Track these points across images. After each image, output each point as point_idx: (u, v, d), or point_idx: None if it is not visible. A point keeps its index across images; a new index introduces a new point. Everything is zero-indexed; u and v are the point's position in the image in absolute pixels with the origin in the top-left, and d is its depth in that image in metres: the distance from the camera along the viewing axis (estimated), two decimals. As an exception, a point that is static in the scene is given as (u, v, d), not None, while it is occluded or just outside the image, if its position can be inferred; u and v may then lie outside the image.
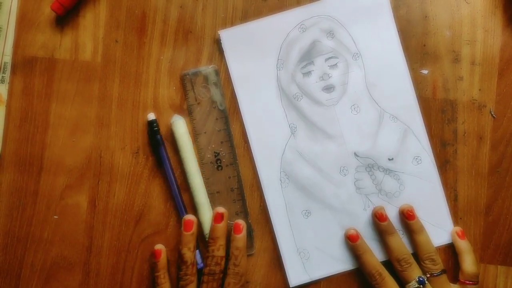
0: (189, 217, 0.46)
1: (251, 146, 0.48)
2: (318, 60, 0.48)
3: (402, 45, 0.48)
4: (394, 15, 0.48)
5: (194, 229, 0.45)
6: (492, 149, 0.48)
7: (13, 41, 0.49)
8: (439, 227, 0.47)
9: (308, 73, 0.48)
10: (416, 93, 0.47)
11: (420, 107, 0.47)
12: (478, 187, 0.47)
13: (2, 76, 0.49)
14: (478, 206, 0.47)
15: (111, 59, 0.49)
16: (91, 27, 0.49)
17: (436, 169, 0.47)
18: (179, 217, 0.47)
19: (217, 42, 0.48)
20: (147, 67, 0.49)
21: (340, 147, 0.48)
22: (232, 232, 0.46)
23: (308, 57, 0.48)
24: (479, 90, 0.48)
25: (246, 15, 0.49)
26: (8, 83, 0.49)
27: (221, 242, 0.45)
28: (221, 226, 0.46)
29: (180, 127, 0.47)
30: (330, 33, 0.48)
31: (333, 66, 0.48)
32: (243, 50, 0.48)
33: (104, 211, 0.49)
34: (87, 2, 0.49)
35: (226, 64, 0.48)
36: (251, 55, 0.48)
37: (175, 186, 0.47)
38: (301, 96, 0.48)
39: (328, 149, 0.48)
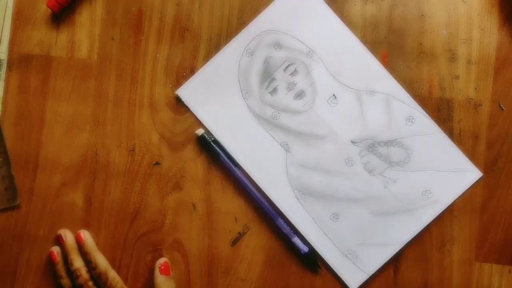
0: (53, 249, 0.48)
1: (255, 181, 0.48)
2: (277, 74, 0.48)
3: (346, 24, 0.48)
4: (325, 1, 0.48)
5: (59, 258, 0.47)
6: (488, 148, 0.48)
7: (9, 38, 0.49)
8: (460, 171, 0.47)
9: (274, 90, 0.48)
10: (385, 69, 0.48)
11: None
12: (473, 185, 0.47)
13: (-2, 74, 0.49)
14: (474, 205, 0.47)
15: (107, 57, 0.49)
16: (87, 24, 0.49)
17: (432, 121, 0.47)
18: (268, 219, 0.48)
19: (178, 100, 0.48)
20: (143, 64, 0.49)
21: (335, 142, 0.48)
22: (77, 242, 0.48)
23: (267, 75, 0.48)
24: (475, 89, 0.48)
25: (242, 13, 0.49)
26: (4, 80, 0.49)
27: (73, 255, 0.47)
28: (68, 242, 0.47)
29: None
30: (277, 45, 0.48)
31: (294, 72, 0.48)
32: (206, 98, 0.48)
33: (99, 209, 0.48)
34: None
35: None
36: (216, 99, 0.48)
37: (254, 190, 0.48)
38: (278, 114, 0.48)
39: (326, 149, 0.48)
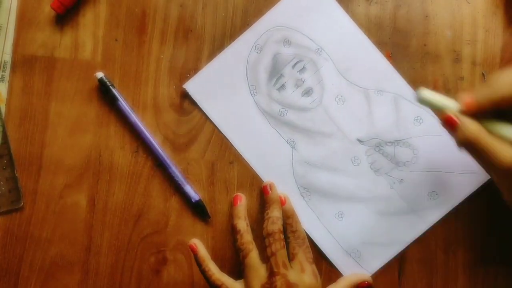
0: (237, 194, 0.48)
1: (261, 177, 0.48)
2: (285, 70, 0.48)
3: (355, 23, 0.48)
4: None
5: (243, 201, 0.47)
6: (493, 149, 0.47)
7: (13, 39, 0.49)
8: (468, 173, 0.47)
9: (282, 87, 0.48)
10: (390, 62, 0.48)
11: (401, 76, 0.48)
12: (479, 188, 0.47)
13: (2, 75, 0.49)
14: (479, 207, 0.47)
15: (111, 58, 0.49)
16: (91, 25, 0.49)
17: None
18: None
19: (186, 95, 0.48)
20: (147, 66, 0.49)
21: (342, 141, 0.48)
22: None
23: (275, 72, 0.48)
24: (480, 90, 0.48)
25: (246, 14, 0.49)
26: (8, 81, 0.49)
27: (274, 205, 0.46)
28: (272, 195, 0.47)
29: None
30: (286, 41, 0.48)
31: (302, 69, 0.48)
32: (214, 93, 0.48)
33: (103, 210, 0.48)
34: (87, 1, 0.49)
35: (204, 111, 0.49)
36: (223, 94, 0.48)
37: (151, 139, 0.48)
38: (285, 110, 0.48)
39: (332, 147, 0.48)
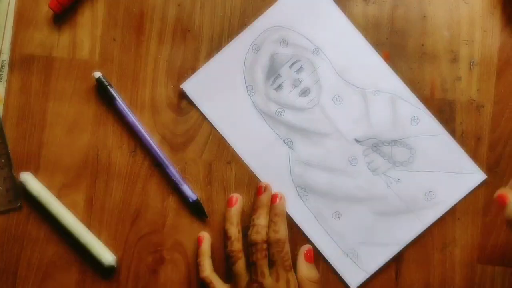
0: (234, 194, 0.47)
1: (258, 177, 0.48)
2: (283, 70, 0.48)
3: (352, 23, 0.48)
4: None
5: (238, 205, 0.47)
6: (490, 149, 0.47)
7: (11, 39, 0.49)
8: (465, 173, 0.47)
9: (279, 87, 0.48)
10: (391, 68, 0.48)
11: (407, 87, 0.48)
12: (475, 187, 0.47)
13: (0, 74, 0.49)
14: (476, 207, 0.47)
15: (109, 58, 0.49)
16: (89, 25, 0.49)
17: (437, 121, 0.47)
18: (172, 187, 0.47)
19: (184, 95, 0.48)
20: (144, 65, 0.49)
21: (339, 140, 0.48)
22: (271, 202, 0.47)
23: (272, 72, 0.48)
24: (477, 90, 0.48)
25: (244, 14, 0.49)
26: (6, 81, 0.49)
27: (261, 211, 0.46)
28: (263, 197, 0.47)
29: (34, 184, 0.47)
30: (283, 41, 0.48)
31: (299, 69, 0.48)
32: (211, 93, 0.48)
33: (100, 210, 0.48)
34: (84, 1, 0.49)
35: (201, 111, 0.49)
36: (220, 94, 0.48)
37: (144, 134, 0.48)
38: (283, 110, 0.48)
39: (330, 147, 0.48)
